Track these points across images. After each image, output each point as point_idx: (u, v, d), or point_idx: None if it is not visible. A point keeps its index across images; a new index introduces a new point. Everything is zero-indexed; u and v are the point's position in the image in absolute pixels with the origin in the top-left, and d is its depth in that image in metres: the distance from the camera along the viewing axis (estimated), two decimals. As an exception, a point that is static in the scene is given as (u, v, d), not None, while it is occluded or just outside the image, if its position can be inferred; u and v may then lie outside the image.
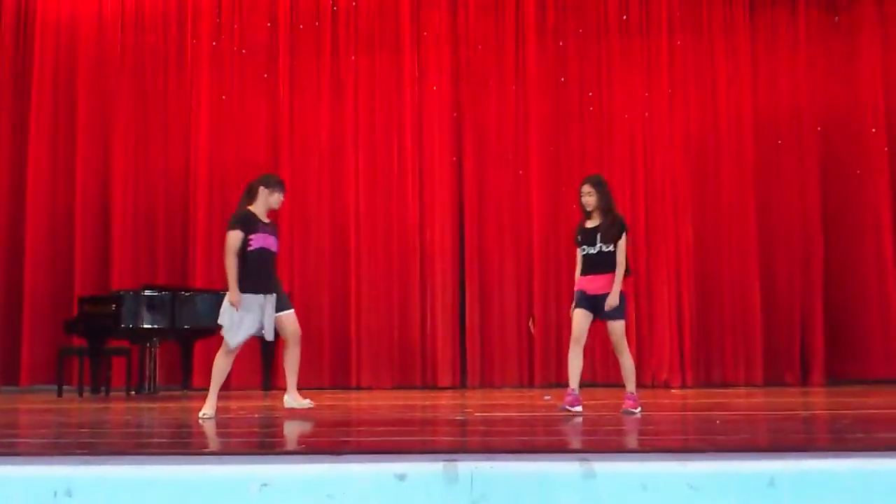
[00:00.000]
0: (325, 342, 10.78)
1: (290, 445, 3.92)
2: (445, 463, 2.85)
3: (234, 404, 7.39)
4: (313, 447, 3.76)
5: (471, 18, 11.22)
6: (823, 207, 10.93)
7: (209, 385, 5.71)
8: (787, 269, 10.86)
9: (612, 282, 5.57)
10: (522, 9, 11.21)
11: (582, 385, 5.66)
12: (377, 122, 11.15)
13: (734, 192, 10.94)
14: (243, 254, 5.56)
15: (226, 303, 5.54)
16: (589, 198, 5.73)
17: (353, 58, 11.22)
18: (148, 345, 9.44)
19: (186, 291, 9.45)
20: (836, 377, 10.55)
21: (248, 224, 5.63)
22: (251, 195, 5.78)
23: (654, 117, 11.07)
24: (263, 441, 4.23)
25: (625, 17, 11.19)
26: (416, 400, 8.01)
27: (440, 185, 11.04)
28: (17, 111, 11.21)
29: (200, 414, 5.53)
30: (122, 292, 9.06)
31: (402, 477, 2.81)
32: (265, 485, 2.83)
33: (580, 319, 5.62)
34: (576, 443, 3.85)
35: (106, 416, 6.09)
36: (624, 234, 5.65)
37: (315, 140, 11.13)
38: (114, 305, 8.85)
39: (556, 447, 3.64)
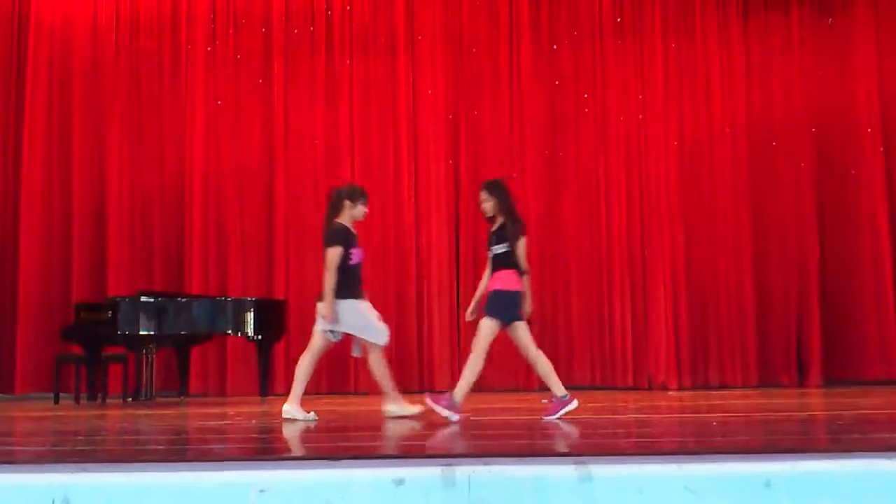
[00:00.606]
0: (322, 347, 10.77)
1: (288, 451, 3.92)
2: (443, 467, 2.85)
3: (231, 410, 7.38)
4: (311, 452, 3.76)
5: (465, 21, 11.24)
6: (819, 208, 10.95)
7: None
8: (783, 271, 10.88)
9: (500, 279, 5.50)
10: (517, 11, 11.23)
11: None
12: (372, 125, 11.16)
13: (729, 194, 10.97)
14: (345, 267, 5.76)
15: (355, 315, 5.80)
16: (486, 204, 5.66)
17: (347, 62, 11.23)
18: (144, 351, 9.43)
19: (183, 297, 9.44)
20: (832, 378, 10.57)
21: (348, 240, 5.83)
22: (336, 208, 5.88)
23: (648, 119, 11.10)
24: (261, 447, 4.23)
25: (619, 20, 11.22)
26: (413, 404, 7.99)
27: (436, 188, 11.05)
28: (12, 116, 11.18)
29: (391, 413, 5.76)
30: (118, 299, 9.04)
31: (399, 482, 2.81)
32: (263, 491, 2.83)
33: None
34: (572, 446, 3.85)
35: (103, 424, 6.08)
36: (521, 236, 5.55)
37: (310, 144, 11.14)
38: (110, 312, 8.83)
39: (553, 451, 3.65)
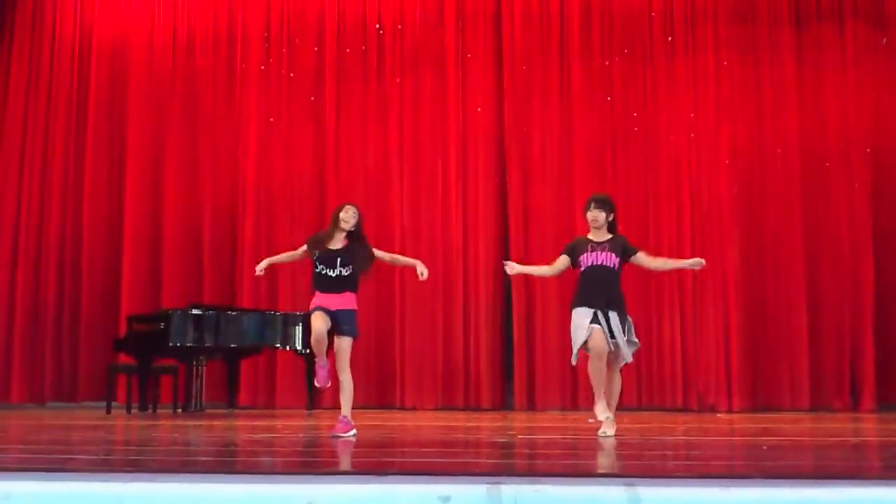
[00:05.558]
0: (370, 362, 10.82)
1: (336, 465, 3.95)
2: (489, 486, 2.85)
3: (279, 423, 7.45)
4: (358, 467, 3.78)
5: (515, 39, 11.25)
6: (874, 229, 10.72)
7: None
8: (837, 292, 10.66)
9: None
10: (567, 29, 11.22)
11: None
12: (422, 143, 11.23)
13: (781, 214, 10.80)
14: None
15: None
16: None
17: (397, 80, 11.32)
18: (195, 363, 9.56)
19: (233, 311, 9.56)
20: (886, 403, 10.33)
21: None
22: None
23: (700, 138, 10.98)
24: (309, 461, 4.26)
25: (670, 39, 11.16)
26: (459, 421, 8.01)
27: (484, 205, 11.07)
28: (73, 136, 11.52)
29: (600, 431, 5.60)
30: (170, 311, 9.19)
31: (445, 499, 2.82)
32: (310, 504, 2.86)
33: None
34: (621, 467, 3.83)
35: (154, 434, 6.18)
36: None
37: (360, 161, 11.24)
38: (162, 324, 8.98)
39: (601, 471, 3.63)
